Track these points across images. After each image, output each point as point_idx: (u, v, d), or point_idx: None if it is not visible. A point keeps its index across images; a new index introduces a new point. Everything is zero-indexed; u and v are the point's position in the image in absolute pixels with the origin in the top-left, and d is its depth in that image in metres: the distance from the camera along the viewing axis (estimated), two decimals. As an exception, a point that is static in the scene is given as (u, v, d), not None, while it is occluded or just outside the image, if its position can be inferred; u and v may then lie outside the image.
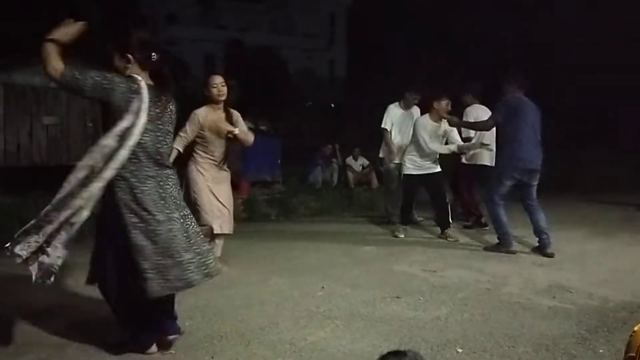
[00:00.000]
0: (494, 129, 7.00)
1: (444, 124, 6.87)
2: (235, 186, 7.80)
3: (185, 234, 3.22)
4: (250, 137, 5.29)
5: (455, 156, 7.56)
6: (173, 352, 3.36)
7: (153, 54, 3.22)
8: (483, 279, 5.06)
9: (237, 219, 7.73)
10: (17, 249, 2.96)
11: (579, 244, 6.62)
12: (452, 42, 21.99)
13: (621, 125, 18.83)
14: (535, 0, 20.91)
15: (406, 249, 6.32)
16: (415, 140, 6.88)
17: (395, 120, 7.63)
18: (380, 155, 7.88)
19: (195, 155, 5.21)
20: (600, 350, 3.47)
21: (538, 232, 6.06)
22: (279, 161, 11.40)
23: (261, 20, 33.82)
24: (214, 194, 5.17)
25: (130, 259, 3.10)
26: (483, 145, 7.20)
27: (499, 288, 4.80)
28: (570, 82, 20.09)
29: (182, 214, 3.26)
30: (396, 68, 20.27)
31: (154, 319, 3.32)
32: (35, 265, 2.99)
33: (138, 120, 3.06)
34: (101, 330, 3.52)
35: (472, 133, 7.38)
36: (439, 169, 6.99)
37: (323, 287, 4.74)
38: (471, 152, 7.47)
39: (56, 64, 2.96)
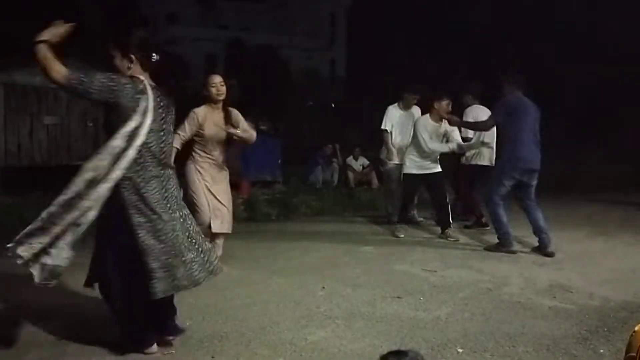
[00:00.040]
0: (494, 129, 7.00)
1: (445, 124, 6.87)
2: (235, 186, 7.82)
3: (187, 233, 3.25)
4: (252, 134, 5.29)
5: (455, 156, 7.57)
6: (173, 352, 3.36)
7: (153, 54, 3.22)
8: (483, 279, 5.06)
9: (237, 218, 7.78)
10: (20, 250, 2.94)
11: (580, 244, 6.61)
12: (452, 42, 22.00)
13: (621, 125, 18.83)
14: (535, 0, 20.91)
15: (407, 249, 6.32)
16: (415, 140, 6.89)
17: (395, 121, 7.63)
18: (381, 156, 7.89)
19: (194, 154, 5.22)
20: (601, 350, 3.47)
21: (537, 231, 6.06)
22: (280, 161, 11.40)
23: (262, 20, 33.85)
24: (212, 193, 5.18)
25: (136, 260, 3.10)
26: (483, 144, 7.20)
27: (500, 288, 4.79)
28: (570, 82, 20.09)
29: (182, 213, 3.29)
30: (396, 68, 20.29)
31: (155, 318, 3.32)
32: (38, 266, 2.97)
33: (145, 120, 3.08)
34: (101, 330, 3.52)
35: (470, 133, 7.39)
36: (439, 169, 6.99)
37: (324, 287, 4.74)
38: (471, 152, 7.48)
39: (58, 67, 2.95)
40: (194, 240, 3.27)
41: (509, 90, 6.15)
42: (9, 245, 2.97)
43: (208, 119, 5.13)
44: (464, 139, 7.25)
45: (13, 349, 3.38)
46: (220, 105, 5.19)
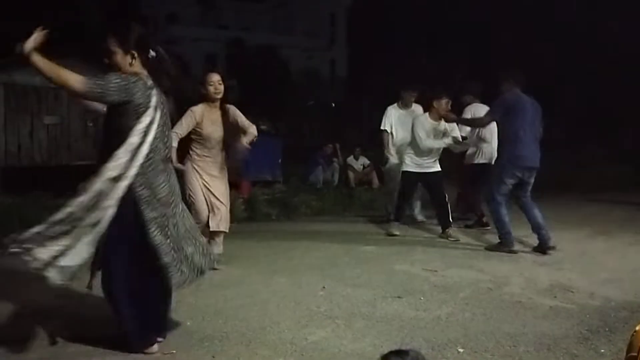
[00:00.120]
0: (494, 126, 7.00)
1: (444, 123, 6.88)
2: (236, 186, 7.82)
3: (185, 227, 3.33)
4: (253, 131, 5.27)
5: (457, 156, 7.57)
6: (174, 351, 3.35)
7: (151, 51, 3.23)
8: (484, 279, 5.05)
9: (237, 218, 7.77)
10: (39, 253, 2.90)
11: (581, 244, 6.61)
12: (452, 42, 21.99)
13: (621, 125, 18.83)
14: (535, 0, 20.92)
15: (407, 249, 6.32)
16: (413, 138, 6.90)
17: (395, 121, 7.64)
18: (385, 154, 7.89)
19: (191, 153, 5.22)
20: (602, 350, 3.46)
21: (537, 228, 6.05)
22: (280, 161, 11.40)
23: (262, 20, 33.85)
24: (210, 192, 5.18)
25: (144, 257, 3.15)
26: (480, 139, 7.22)
27: (501, 288, 4.79)
28: (570, 82, 20.09)
29: (182, 207, 3.37)
30: (396, 68, 20.29)
31: (157, 318, 3.34)
32: (55, 269, 2.94)
33: (157, 115, 3.13)
34: (102, 330, 3.51)
35: (467, 130, 7.38)
36: (438, 169, 7.00)
37: (324, 287, 4.73)
38: (471, 151, 7.48)
39: (73, 76, 2.96)
40: (191, 234, 3.35)
41: (507, 88, 6.14)
42: (25, 246, 2.92)
43: (205, 117, 5.12)
44: (464, 138, 7.25)
45: (13, 348, 3.37)
46: (217, 103, 5.19)
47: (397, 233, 7.04)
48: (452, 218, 7.03)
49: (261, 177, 10.61)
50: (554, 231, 6.21)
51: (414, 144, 6.89)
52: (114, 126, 3.14)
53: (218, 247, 5.23)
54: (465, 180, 7.79)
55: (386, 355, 1.97)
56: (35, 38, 2.94)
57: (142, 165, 3.09)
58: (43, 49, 2.96)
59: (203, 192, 5.16)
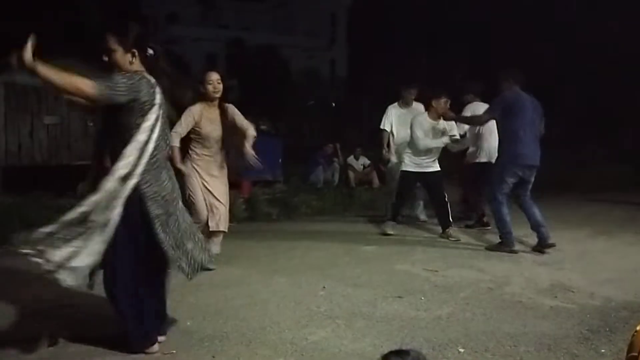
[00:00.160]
0: (494, 125, 6.99)
1: (443, 122, 6.87)
2: (236, 186, 7.81)
3: (186, 223, 3.36)
4: (251, 130, 5.25)
5: (457, 156, 7.57)
6: (174, 351, 3.35)
7: (149, 50, 3.24)
8: (485, 279, 5.05)
9: (238, 218, 7.78)
10: (52, 255, 2.89)
11: (581, 244, 6.61)
12: (452, 42, 21.99)
13: (621, 125, 18.82)
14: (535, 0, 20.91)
15: (408, 249, 6.31)
16: (411, 137, 6.90)
17: (396, 120, 7.65)
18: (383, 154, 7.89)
19: (190, 152, 5.22)
20: (602, 350, 3.46)
21: (536, 225, 6.05)
22: (280, 161, 11.40)
23: (262, 20, 33.81)
24: (210, 191, 5.17)
25: (149, 255, 3.18)
26: (478, 137, 7.22)
27: (501, 287, 4.79)
28: (570, 82, 20.08)
29: (181, 205, 3.40)
30: (396, 68, 20.29)
31: (157, 317, 3.34)
32: (67, 271, 2.94)
33: (161, 112, 3.16)
34: (102, 329, 3.51)
35: (466, 128, 7.37)
36: (438, 168, 6.99)
37: (324, 287, 4.73)
38: (470, 151, 7.48)
39: (83, 81, 2.94)
40: (190, 230, 3.37)
41: (506, 86, 6.14)
42: (39, 248, 2.89)
43: (204, 116, 5.12)
44: (462, 136, 7.24)
45: (13, 348, 3.37)
46: (216, 102, 5.18)
47: (392, 232, 7.03)
48: (452, 218, 7.03)
49: (261, 177, 10.58)
50: (554, 231, 6.21)
51: (412, 143, 6.90)
52: (116, 124, 3.14)
53: (216, 247, 5.23)
54: (466, 179, 7.79)
55: (386, 355, 1.97)
56: (29, 48, 2.91)
57: (147, 163, 3.11)
58: (40, 51, 2.94)
59: (202, 192, 5.16)
